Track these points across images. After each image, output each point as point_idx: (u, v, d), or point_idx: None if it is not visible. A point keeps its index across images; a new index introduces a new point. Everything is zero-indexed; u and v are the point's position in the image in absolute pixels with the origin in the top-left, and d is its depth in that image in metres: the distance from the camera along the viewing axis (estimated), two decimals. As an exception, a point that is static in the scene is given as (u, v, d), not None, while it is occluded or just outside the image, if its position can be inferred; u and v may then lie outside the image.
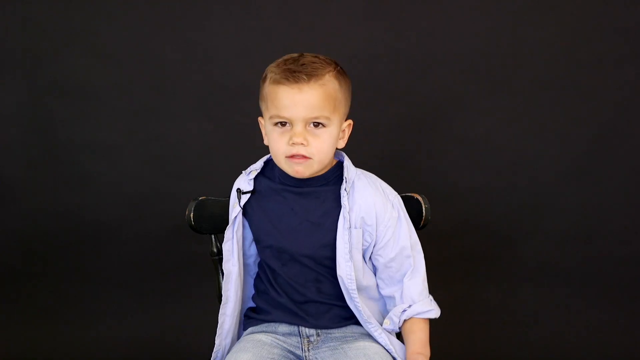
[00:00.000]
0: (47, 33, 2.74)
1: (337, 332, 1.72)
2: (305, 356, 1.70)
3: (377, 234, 1.71)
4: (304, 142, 1.63)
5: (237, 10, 2.72)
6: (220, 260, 1.91)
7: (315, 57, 1.69)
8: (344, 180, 1.71)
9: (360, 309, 1.69)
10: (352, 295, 1.69)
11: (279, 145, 1.65)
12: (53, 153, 2.79)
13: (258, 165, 1.77)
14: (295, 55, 1.69)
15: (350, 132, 1.74)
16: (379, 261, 1.74)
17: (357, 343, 1.69)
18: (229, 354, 1.68)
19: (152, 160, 2.78)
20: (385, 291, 1.75)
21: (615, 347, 2.73)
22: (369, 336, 1.72)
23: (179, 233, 2.66)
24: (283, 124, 1.65)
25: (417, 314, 1.71)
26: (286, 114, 1.63)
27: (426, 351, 1.70)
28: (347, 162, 1.74)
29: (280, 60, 1.68)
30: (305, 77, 1.63)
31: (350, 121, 1.73)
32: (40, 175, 2.80)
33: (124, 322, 2.81)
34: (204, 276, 2.60)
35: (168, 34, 2.73)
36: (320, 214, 1.71)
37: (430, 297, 1.76)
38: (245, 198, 1.74)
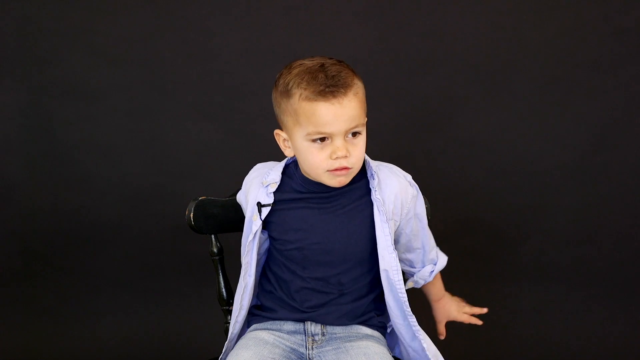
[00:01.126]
0: (47, 33, 2.74)
1: (342, 332, 1.72)
2: (309, 354, 1.70)
3: (401, 216, 1.73)
4: (347, 154, 1.61)
5: (237, 10, 2.72)
6: (221, 260, 1.92)
7: (334, 63, 1.63)
8: (372, 176, 1.70)
9: (404, 300, 1.69)
10: (397, 287, 1.69)
11: (319, 159, 1.62)
12: (53, 153, 2.79)
13: (277, 177, 1.73)
14: (313, 64, 1.62)
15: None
16: (401, 236, 1.77)
17: (359, 342, 1.69)
18: (231, 352, 1.68)
19: (152, 160, 2.78)
20: (403, 256, 1.82)
21: (615, 346, 2.73)
22: (373, 337, 1.73)
23: (179, 233, 2.66)
24: (322, 139, 1.61)
25: (438, 271, 1.86)
26: (328, 130, 1.59)
27: (444, 293, 1.91)
28: (366, 157, 1.74)
29: (300, 71, 1.61)
30: (343, 91, 1.59)
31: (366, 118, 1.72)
32: (40, 175, 2.80)
33: (124, 321, 2.81)
34: (204, 276, 2.60)
35: (168, 34, 2.73)
36: (349, 211, 1.70)
37: (437, 248, 1.86)
38: (265, 211, 1.71)
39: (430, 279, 1.84)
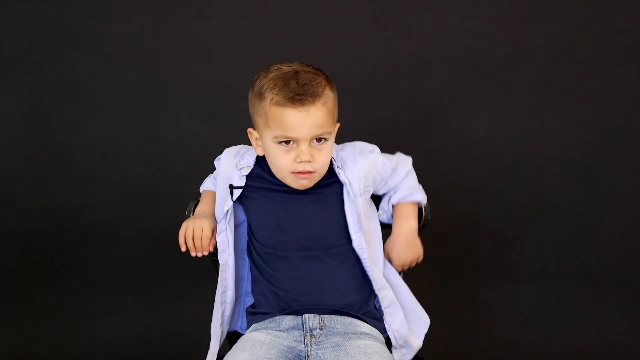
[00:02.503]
0: (47, 33, 2.74)
1: (340, 327, 1.73)
2: (307, 351, 1.70)
3: (375, 185, 1.82)
4: (311, 159, 1.69)
5: (237, 10, 2.72)
6: (220, 260, 1.92)
7: (309, 71, 1.71)
8: (333, 160, 1.78)
9: (372, 278, 1.75)
10: (365, 264, 1.75)
11: (285, 162, 1.70)
12: (53, 153, 2.79)
13: (251, 162, 1.81)
14: (288, 70, 1.70)
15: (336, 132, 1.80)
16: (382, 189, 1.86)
17: (359, 341, 1.69)
18: (227, 354, 1.68)
19: (152, 160, 2.78)
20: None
21: (615, 346, 2.73)
22: (371, 335, 1.74)
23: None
24: (288, 142, 1.69)
25: (402, 198, 1.82)
26: (293, 135, 1.67)
27: (411, 223, 1.80)
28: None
29: (275, 76, 1.70)
30: (311, 99, 1.67)
31: (338, 124, 1.79)
32: (40, 175, 2.80)
33: (123, 321, 2.81)
34: (204, 276, 2.60)
35: (168, 34, 2.73)
36: (321, 193, 1.77)
37: (420, 186, 1.87)
38: (237, 193, 1.78)
39: (391, 203, 1.83)
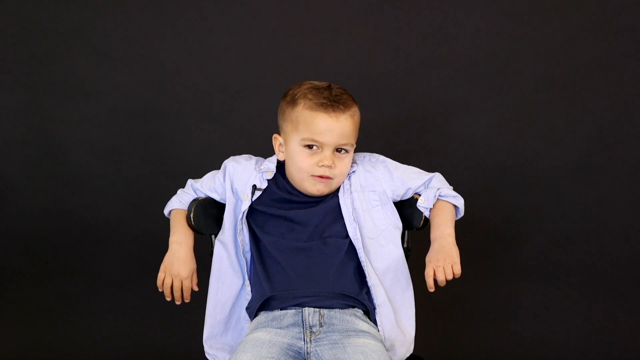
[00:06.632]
0: (47, 33, 2.74)
1: (339, 324, 1.75)
2: (307, 348, 1.72)
3: (384, 182, 1.91)
4: (332, 165, 1.82)
5: (237, 10, 2.72)
6: (221, 260, 1.93)
7: (339, 88, 1.86)
8: (351, 166, 1.91)
9: (365, 268, 1.82)
10: (359, 254, 1.83)
11: (307, 164, 1.83)
12: (53, 153, 2.79)
13: (273, 167, 1.92)
14: (322, 84, 1.86)
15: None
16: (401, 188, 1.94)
17: (357, 340, 1.72)
18: (231, 357, 1.71)
19: (152, 160, 2.78)
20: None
21: (615, 346, 2.73)
22: (369, 333, 1.75)
23: (179, 233, 2.66)
24: (313, 146, 1.83)
25: (445, 196, 1.91)
26: (321, 139, 1.81)
27: (448, 230, 1.88)
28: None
29: (310, 87, 1.85)
30: (342, 108, 1.82)
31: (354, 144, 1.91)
32: (40, 175, 2.80)
33: (123, 321, 2.81)
34: (204, 276, 2.60)
35: (168, 34, 2.73)
36: (325, 198, 1.89)
37: (440, 186, 1.94)
38: (257, 194, 1.88)
39: (437, 193, 1.90)
